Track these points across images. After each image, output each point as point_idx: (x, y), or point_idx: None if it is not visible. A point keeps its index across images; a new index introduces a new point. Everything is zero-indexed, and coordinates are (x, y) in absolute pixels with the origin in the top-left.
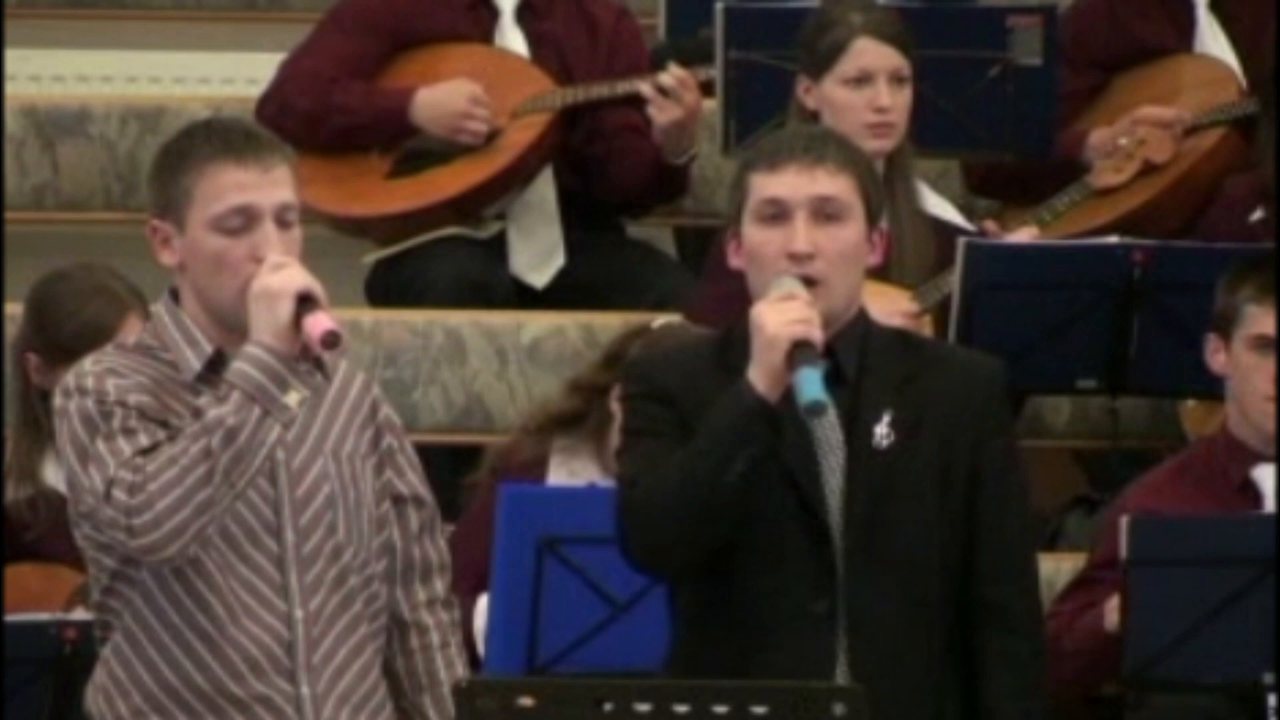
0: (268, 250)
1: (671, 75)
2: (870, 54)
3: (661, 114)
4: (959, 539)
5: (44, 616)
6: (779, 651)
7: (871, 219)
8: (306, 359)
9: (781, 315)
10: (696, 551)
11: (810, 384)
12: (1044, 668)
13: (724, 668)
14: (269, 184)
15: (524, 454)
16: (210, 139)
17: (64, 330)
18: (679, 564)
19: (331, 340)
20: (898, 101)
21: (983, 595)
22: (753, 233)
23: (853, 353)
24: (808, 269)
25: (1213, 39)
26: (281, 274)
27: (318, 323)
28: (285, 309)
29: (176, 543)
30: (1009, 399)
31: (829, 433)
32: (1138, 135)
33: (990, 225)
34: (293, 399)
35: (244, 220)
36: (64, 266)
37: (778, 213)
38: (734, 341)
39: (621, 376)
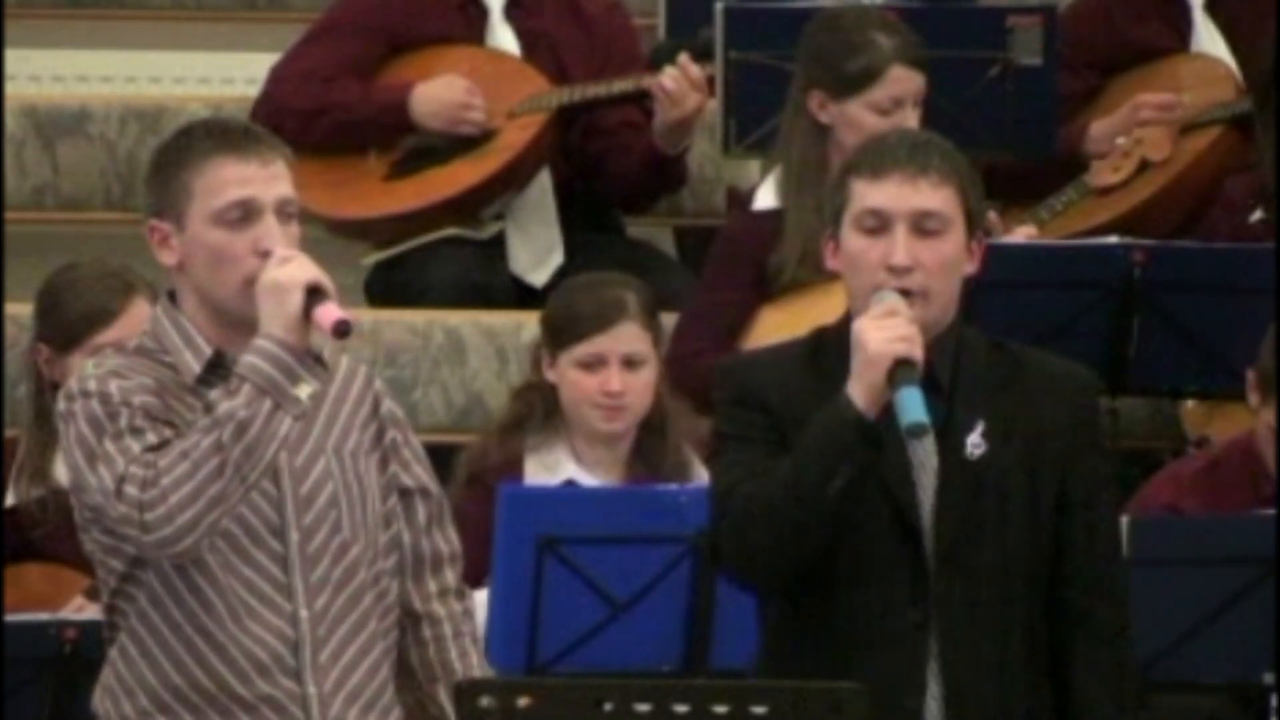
0: (270, 243)
1: (682, 71)
2: (904, 82)
3: (673, 109)
4: (1048, 547)
5: (44, 616)
6: (873, 661)
7: (972, 227)
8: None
9: (884, 332)
10: (791, 563)
11: (912, 405)
12: (1133, 677)
13: (818, 676)
14: (269, 177)
15: (497, 457)
16: (208, 135)
17: (70, 315)
18: (772, 575)
19: (343, 329)
20: (914, 120)
21: (1074, 605)
22: (852, 240)
23: (947, 361)
24: (906, 281)
25: (1209, 40)
26: (289, 266)
27: (328, 313)
28: (295, 301)
29: (190, 537)
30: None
31: (922, 442)
32: (1135, 134)
33: (991, 215)
34: (303, 391)
35: (245, 214)
36: (78, 260)
37: (878, 224)
38: (825, 347)
39: (714, 382)
